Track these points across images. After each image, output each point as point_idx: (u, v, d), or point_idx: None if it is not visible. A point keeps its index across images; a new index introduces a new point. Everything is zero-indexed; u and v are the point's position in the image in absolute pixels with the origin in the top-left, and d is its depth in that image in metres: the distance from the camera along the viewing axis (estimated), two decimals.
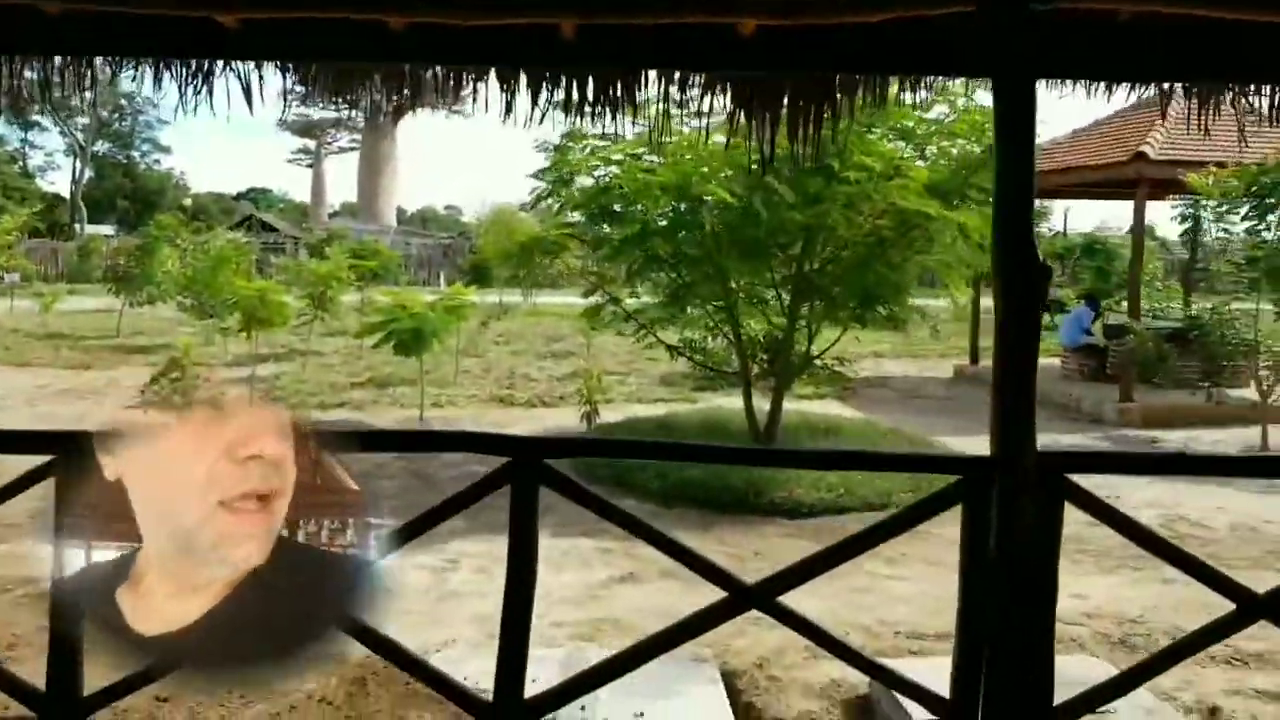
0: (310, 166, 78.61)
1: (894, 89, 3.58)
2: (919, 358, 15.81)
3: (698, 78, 3.30)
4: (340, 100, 3.42)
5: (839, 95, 3.28)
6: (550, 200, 8.61)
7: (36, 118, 61.22)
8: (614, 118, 3.29)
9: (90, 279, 32.80)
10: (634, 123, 7.87)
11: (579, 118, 3.29)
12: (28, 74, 3.21)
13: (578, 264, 24.52)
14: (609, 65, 3.20)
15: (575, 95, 3.27)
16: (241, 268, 16.11)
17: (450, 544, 6.04)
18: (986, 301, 14.94)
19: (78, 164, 62.47)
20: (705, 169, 6.81)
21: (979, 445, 9.03)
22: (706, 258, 7.33)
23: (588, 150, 7.57)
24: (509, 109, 3.32)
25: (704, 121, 7.98)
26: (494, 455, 2.79)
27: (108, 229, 55.37)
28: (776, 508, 6.75)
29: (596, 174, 7.64)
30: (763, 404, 8.61)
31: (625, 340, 17.29)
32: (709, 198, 6.90)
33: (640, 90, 3.29)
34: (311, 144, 77.26)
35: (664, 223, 7.34)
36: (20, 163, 63.15)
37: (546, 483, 2.72)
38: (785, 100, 3.28)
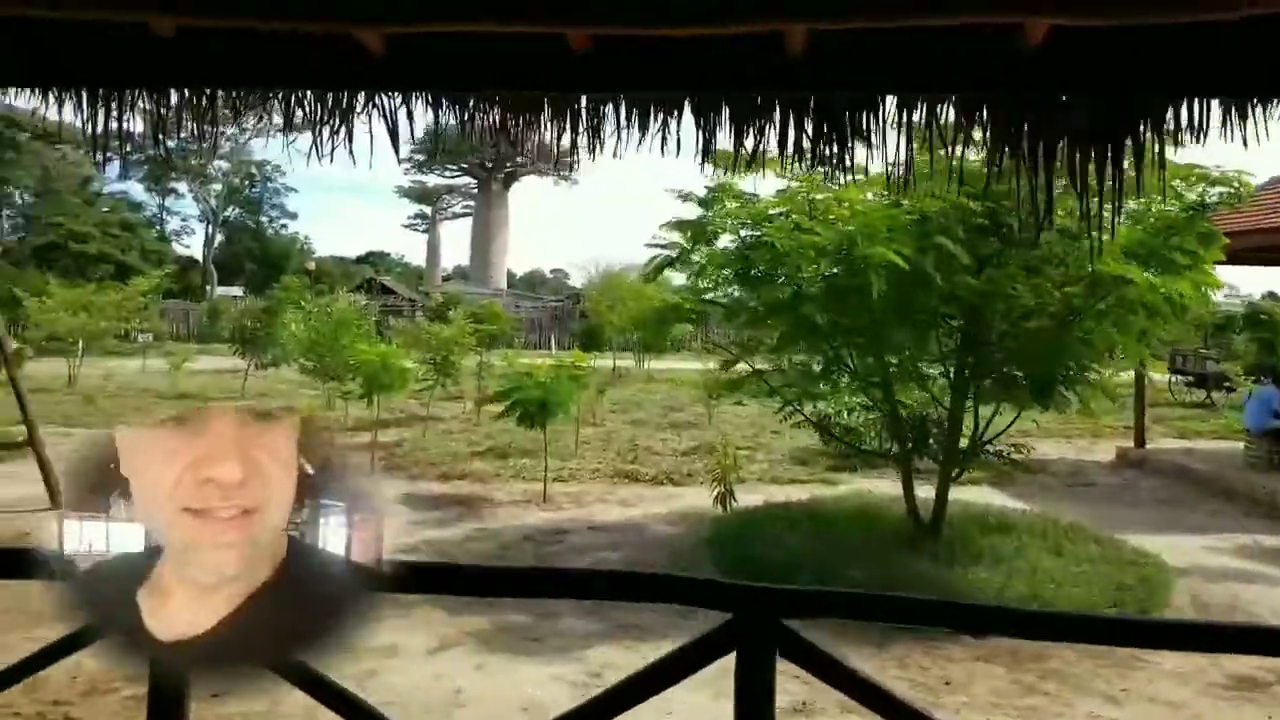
0: (426, 231, 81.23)
1: None
2: (1071, 438, 14.48)
3: (948, 102, 2.58)
4: (503, 141, 2.80)
5: (1142, 123, 2.50)
6: (681, 263, 7.96)
7: (174, 184, 65.09)
8: (845, 156, 2.58)
9: (219, 339, 33.89)
10: (782, 174, 7.20)
11: (797, 155, 2.60)
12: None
13: (690, 330, 23.92)
14: (839, 88, 2.51)
15: (792, 126, 2.58)
16: (362, 330, 16.00)
17: (591, 650, 5.31)
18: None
19: (210, 229, 65.80)
20: (867, 228, 6.05)
21: (1174, 544, 7.83)
22: (865, 327, 6.53)
23: (735, 205, 6.93)
24: (707, 150, 2.65)
25: (852, 176, 7.34)
26: (711, 609, 2.06)
27: (236, 290, 57.87)
28: None
29: (742, 233, 6.97)
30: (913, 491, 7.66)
31: (747, 411, 16.53)
32: (874, 260, 6.10)
33: (876, 120, 2.58)
34: (428, 210, 79.93)
35: (815, 288, 6.57)
36: (158, 227, 66.85)
37: (785, 651, 1.97)
38: (1071, 127, 2.51)
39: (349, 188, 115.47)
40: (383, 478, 10.39)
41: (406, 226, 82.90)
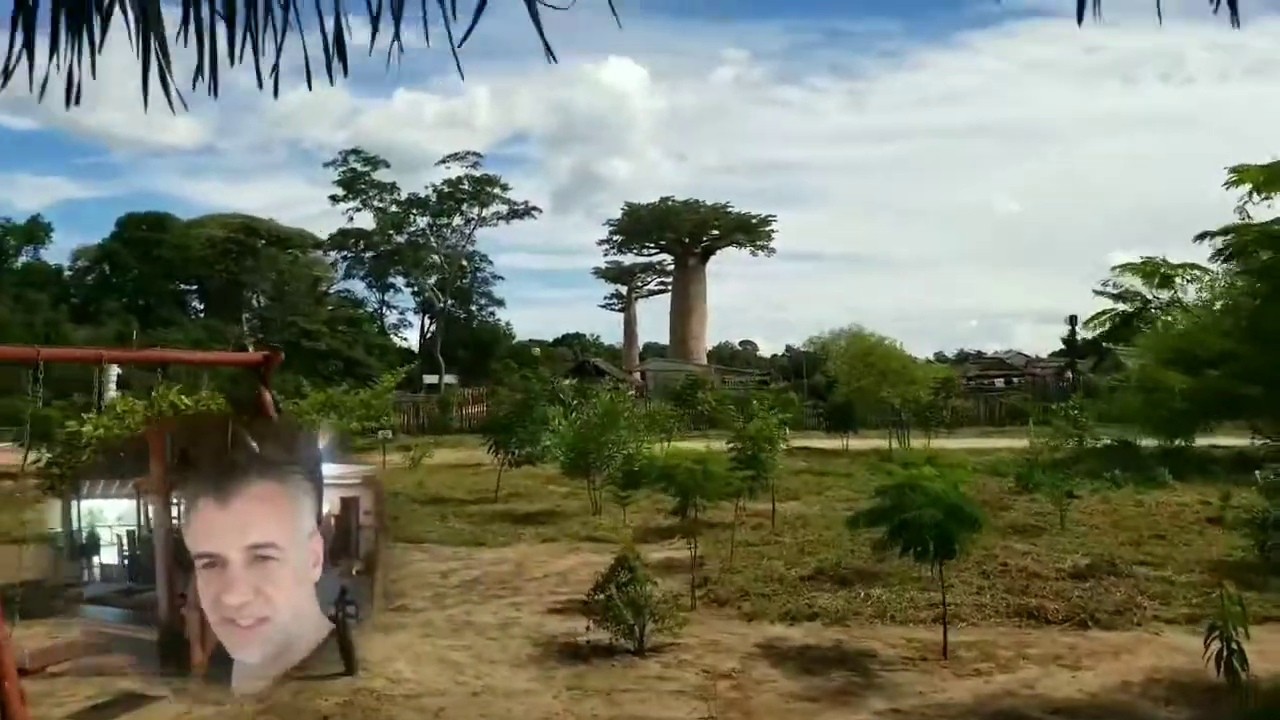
0: (622, 310, 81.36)
1: None
2: None
3: None
4: None
5: None
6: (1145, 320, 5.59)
7: (392, 280, 67.94)
8: None
9: (449, 429, 33.67)
10: None
11: None
12: None
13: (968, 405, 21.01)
14: None
15: None
16: (628, 423, 14.36)
17: None
18: None
19: (427, 320, 68.02)
20: None
21: None
22: None
23: None
24: None
25: None
26: None
27: (450, 378, 59.09)
28: None
29: None
30: None
31: (1092, 506, 13.60)
32: None
33: None
34: (622, 289, 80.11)
35: None
36: (378, 322, 69.88)
37: None
38: None
39: (535, 273, 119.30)
40: (712, 615, 8.34)
41: (603, 306, 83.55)
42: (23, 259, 63.40)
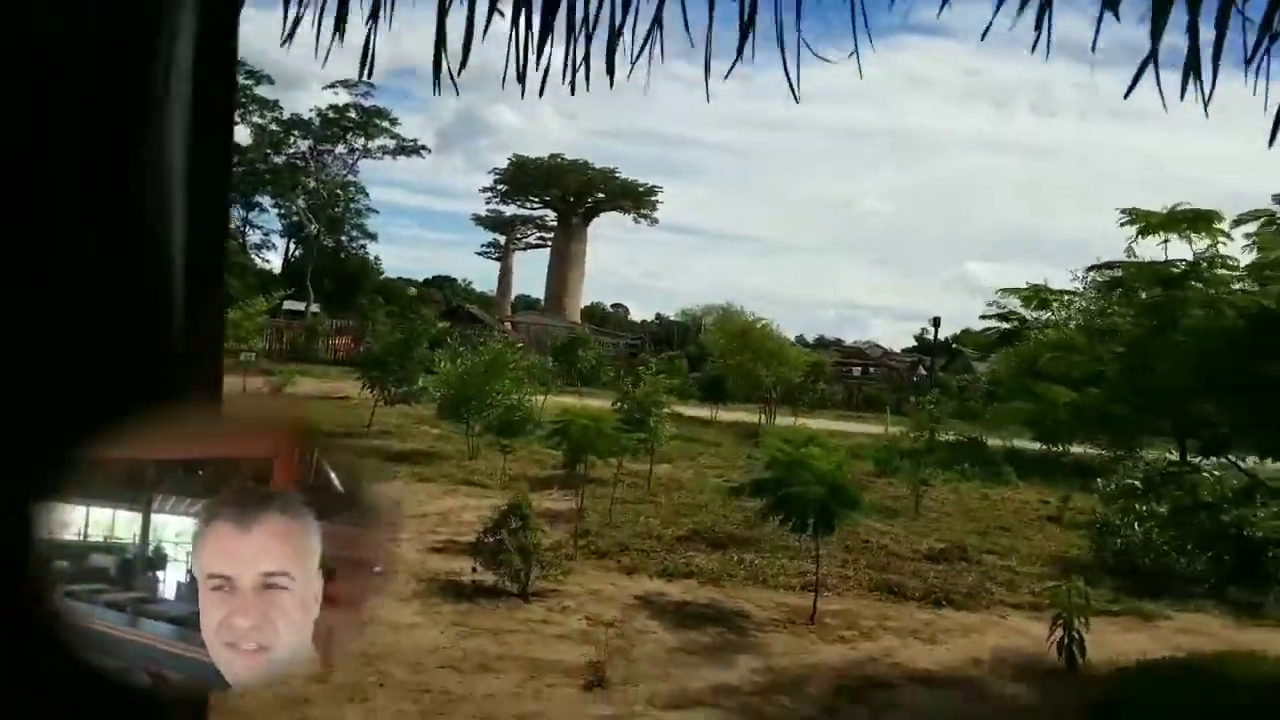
0: (498, 260, 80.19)
1: None
2: None
3: None
4: None
5: None
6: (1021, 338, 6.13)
7: (259, 198, 64.77)
8: None
9: (314, 359, 32.59)
10: None
11: None
12: None
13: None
14: None
15: None
16: (516, 374, 14.30)
17: None
18: None
19: (292, 244, 65.30)
20: None
21: None
22: None
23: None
24: None
25: None
26: None
27: (314, 307, 56.94)
28: None
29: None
30: None
31: (942, 495, 14.47)
32: None
33: None
34: (501, 239, 78.98)
35: None
36: (240, 240, 66.49)
37: None
38: None
39: (407, 210, 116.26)
40: (592, 566, 8.51)
41: (479, 254, 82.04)
42: None
